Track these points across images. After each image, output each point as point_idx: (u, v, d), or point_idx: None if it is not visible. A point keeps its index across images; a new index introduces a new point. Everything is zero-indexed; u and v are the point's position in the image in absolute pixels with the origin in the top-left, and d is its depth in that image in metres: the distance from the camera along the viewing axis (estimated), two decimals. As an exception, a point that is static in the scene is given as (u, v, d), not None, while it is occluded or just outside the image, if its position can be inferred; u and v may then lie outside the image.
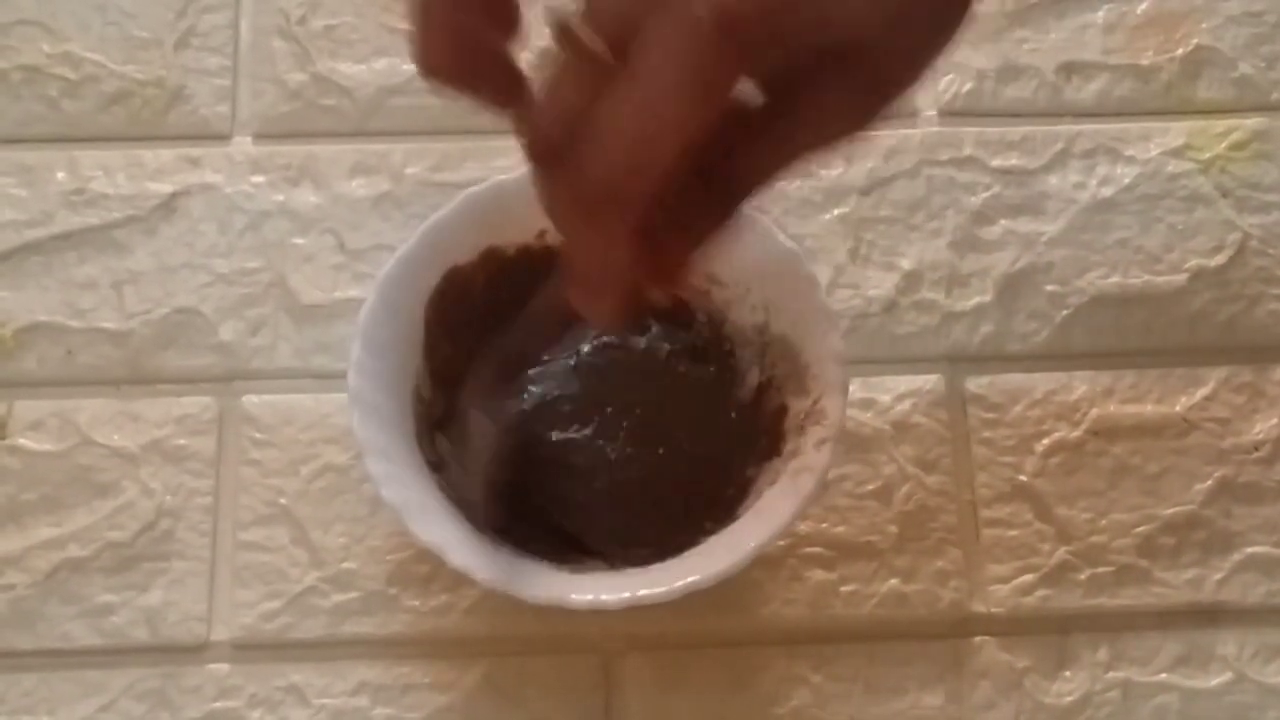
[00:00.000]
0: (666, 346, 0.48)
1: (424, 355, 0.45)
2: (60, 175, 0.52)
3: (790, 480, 0.42)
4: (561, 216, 0.32)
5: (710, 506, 0.44)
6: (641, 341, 0.48)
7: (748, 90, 0.33)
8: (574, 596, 0.40)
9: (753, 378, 0.46)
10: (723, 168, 0.33)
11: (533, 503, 0.45)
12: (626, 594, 0.40)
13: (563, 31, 0.31)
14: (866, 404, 0.49)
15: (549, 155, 0.32)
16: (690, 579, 0.40)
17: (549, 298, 0.40)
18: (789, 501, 0.41)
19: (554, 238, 0.46)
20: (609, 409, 0.47)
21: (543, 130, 0.32)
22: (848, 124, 0.33)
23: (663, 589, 0.40)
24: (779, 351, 0.45)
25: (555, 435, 0.47)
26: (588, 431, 0.47)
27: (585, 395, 0.47)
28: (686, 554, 0.42)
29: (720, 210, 0.34)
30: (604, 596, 0.40)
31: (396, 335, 0.44)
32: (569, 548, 0.44)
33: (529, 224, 0.46)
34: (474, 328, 0.46)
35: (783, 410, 0.44)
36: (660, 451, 0.46)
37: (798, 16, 0.30)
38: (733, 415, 0.46)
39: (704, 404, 0.47)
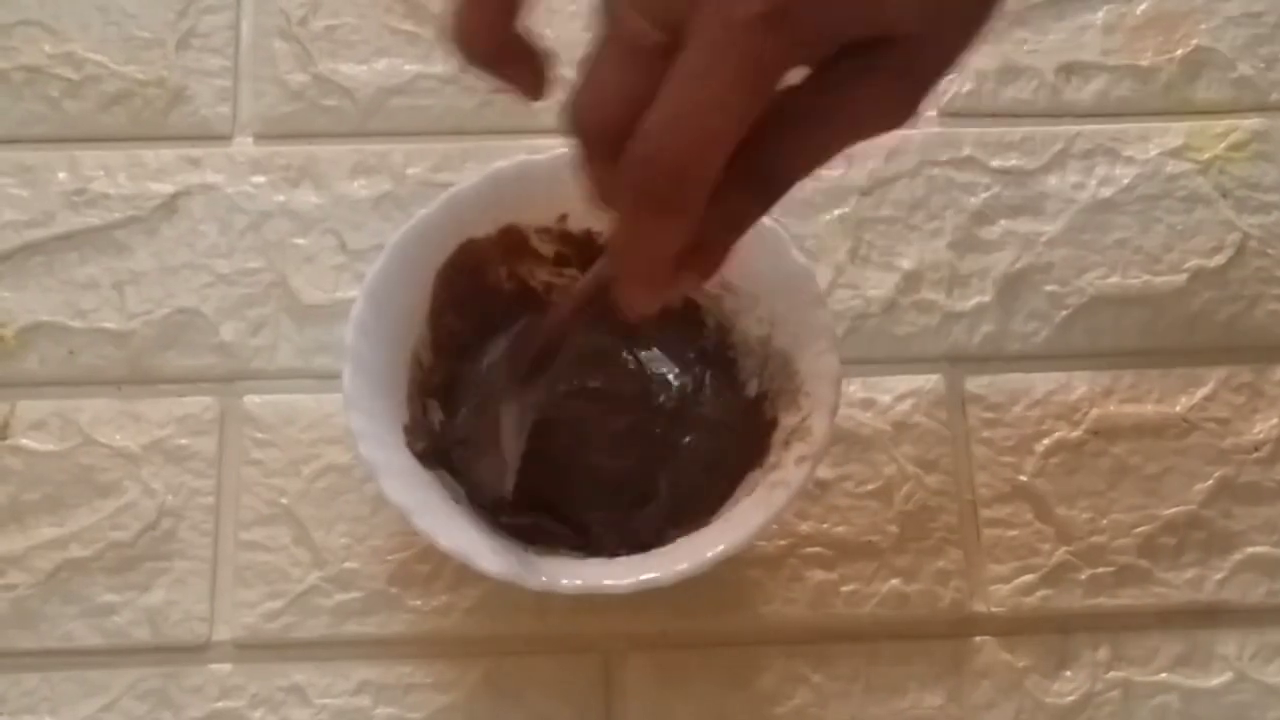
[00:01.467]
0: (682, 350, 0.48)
1: (428, 322, 0.45)
2: (61, 175, 0.52)
3: (765, 492, 0.42)
4: (621, 205, 0.33)
5: (688, 510, 0.44)
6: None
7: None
8: (529, 577, 0.40)
9: (751, 389, 0.46)
10: (762, 159, 0.33)
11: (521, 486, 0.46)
12: (580, 581, 0.41)
13: (612, 14, 0.31)
14: (867, 404, 0.49)
15: (601, 141, 0.32)
16: (648, 576, 0.40)
17: (583, 287, 0.40)
18: (760, 513, 0.42)
19: (576, 223, 0.46)
20: (608, 404, 0.47)
21: (592, 114, 0.32)
22: (884, 115, 0.33)
23: (620, 581, 0.40)
24: (777, 365, 0.45)
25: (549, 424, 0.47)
26: (584, 421, 0.47)
27: (585, 387, 0.47)
28: (652, 552, 0.42)
29: (761, 201, 0.34)
30: (562, 580, 0.40)
31: (403, 297, 0.44)
32: (543, 534, 0.44)
33: (552, 206, 0.46)
34: (483, 303, 0.46)
35: (773, 424, 0.44)
36: (652, 451, 0.47)
37: (846, 8, 0.31)
38: (728, 424, 0.47)
39: (704, 409, 0.47)
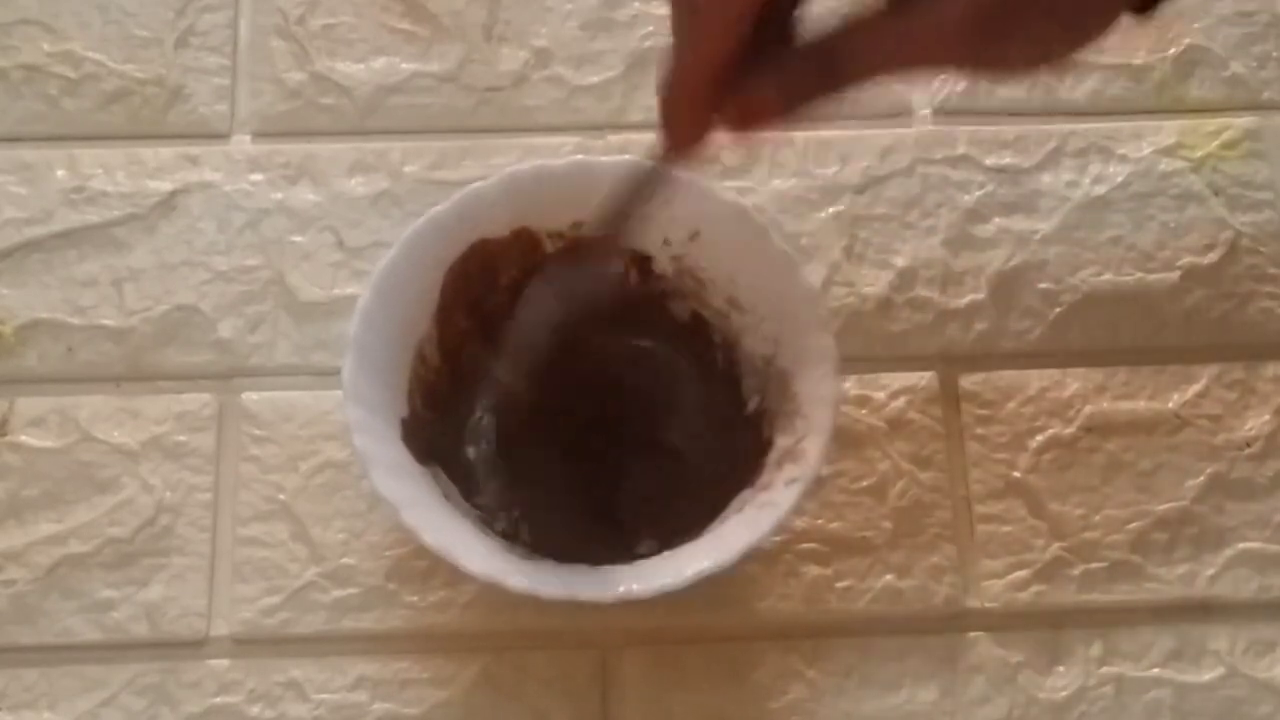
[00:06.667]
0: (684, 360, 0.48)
1: (435, 319, 0.45)
2: (60, 173, 0.52)
3: (754, 512, 0.42)
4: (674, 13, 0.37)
5: (680, 523, 0.44)
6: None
7: None
8: (512, 579, 0.40)
9: (752, 405, 0.46)
10: (835, 43, 0.36)
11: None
12: (561, 589, 0.41)
13: None
14: (861, 401, 0.49)
15: None
16: (629, 588, 0.41)
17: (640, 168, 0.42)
18: (746, 534, 0.41)
19: (590, 229, 0.46)
20: (614, 408, 0.47)
21: None
22: (964, 42, 0.35)
23: (601, 593, 0.41)
24: (778, 386, 0.45)
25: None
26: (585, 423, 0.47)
27: (596, 387, 0.48)
28: (636, 564, 0.42)
29: (819, 80, 0.36)
30: (543, 587, 0.40)
31: (411, 292, 0.45)
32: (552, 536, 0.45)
33: (566, 212, 0.46)
34: (490, 304, 0.46)
35: (768, 443, 0.44)
36: (650, 460, 0.47)
37: None
38: (726, 439, 0.47)
39: (705, 423, 0.47)
